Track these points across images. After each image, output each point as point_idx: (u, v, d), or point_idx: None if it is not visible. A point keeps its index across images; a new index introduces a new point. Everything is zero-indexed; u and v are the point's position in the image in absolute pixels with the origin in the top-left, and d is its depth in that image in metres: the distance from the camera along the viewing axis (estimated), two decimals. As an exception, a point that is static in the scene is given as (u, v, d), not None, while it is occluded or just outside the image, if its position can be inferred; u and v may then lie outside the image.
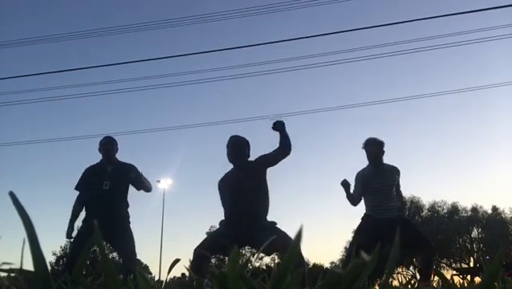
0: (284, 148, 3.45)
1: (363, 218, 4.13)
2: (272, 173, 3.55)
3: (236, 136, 3.57)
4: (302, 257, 3.06)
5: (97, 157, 4.25)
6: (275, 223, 3.39)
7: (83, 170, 4.23)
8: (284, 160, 3.48)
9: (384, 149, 4.15)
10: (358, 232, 4.11)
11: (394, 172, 4.17)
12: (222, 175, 3.62)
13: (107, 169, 4.11)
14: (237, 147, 3.52)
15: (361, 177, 4.15)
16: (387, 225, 3.88)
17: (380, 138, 4.15)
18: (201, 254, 3.19)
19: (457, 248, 33.76)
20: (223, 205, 3.51)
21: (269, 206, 3.47)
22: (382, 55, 16.87)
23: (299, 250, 0.51)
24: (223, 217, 3.48)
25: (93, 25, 54.72)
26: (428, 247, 3.86)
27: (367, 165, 4.19)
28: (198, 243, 3.35)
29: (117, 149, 4.25)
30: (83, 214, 4.11)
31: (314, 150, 51.25)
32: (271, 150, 3.49)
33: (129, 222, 4.07)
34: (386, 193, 4.07)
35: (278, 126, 3.50)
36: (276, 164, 3.50)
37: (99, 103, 53.01)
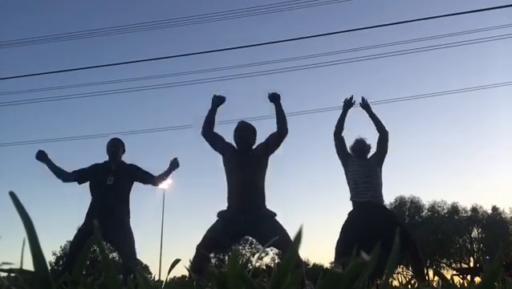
0: (281, 131, 3.50)
1: (349, 214, 4.13)
2: (272, 173, 3.57)
3: (244, 122, 3.62)
4: (299, 257, 3.07)
5: (97, 157, 4.36)
6: (275, 214, 3.38)
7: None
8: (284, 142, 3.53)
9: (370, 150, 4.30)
10: (344, 228, 4.06)
11: (375, 158, 4.26)
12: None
13: (112, 167, 4.24)
14: (245, 131, 3.55)
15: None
16: (373, 221, 3.89)
17: (368, 141, 4.31)
18: (202, 253, 3.20)
19: (457, 248, 33.75)
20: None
21: (265, 193, 3.48)
22: (382, 55, 16.91)
23: (298, 250, 0.51)
24: (220, 209, 3.48)
25: (93, 25, 54.76)
26: (411, 246, 3.81)
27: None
28: (199, 241, 3.34)
29: (124, 151, 4.40)
30: (84, 211, 4.17)
31: (314, 150, 51.29)
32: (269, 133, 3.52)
33: (129, 218, 4.14)
34: (369, 177, 4.11)
35: (275, 97, 3.53)
36: (277, 148, 3.54)
37: (99, 103, 53.00)
